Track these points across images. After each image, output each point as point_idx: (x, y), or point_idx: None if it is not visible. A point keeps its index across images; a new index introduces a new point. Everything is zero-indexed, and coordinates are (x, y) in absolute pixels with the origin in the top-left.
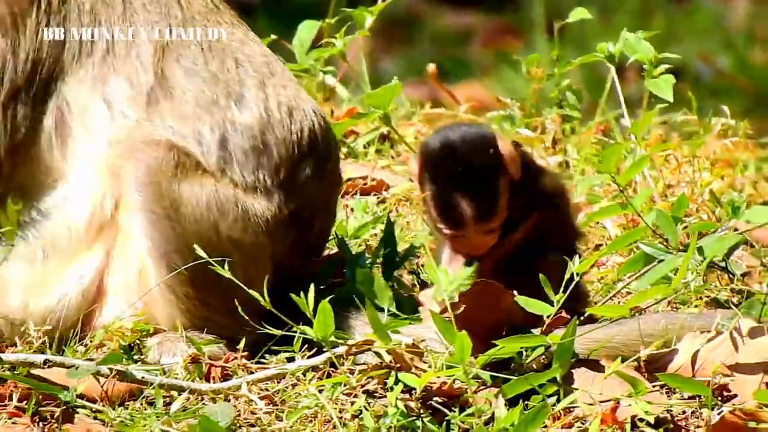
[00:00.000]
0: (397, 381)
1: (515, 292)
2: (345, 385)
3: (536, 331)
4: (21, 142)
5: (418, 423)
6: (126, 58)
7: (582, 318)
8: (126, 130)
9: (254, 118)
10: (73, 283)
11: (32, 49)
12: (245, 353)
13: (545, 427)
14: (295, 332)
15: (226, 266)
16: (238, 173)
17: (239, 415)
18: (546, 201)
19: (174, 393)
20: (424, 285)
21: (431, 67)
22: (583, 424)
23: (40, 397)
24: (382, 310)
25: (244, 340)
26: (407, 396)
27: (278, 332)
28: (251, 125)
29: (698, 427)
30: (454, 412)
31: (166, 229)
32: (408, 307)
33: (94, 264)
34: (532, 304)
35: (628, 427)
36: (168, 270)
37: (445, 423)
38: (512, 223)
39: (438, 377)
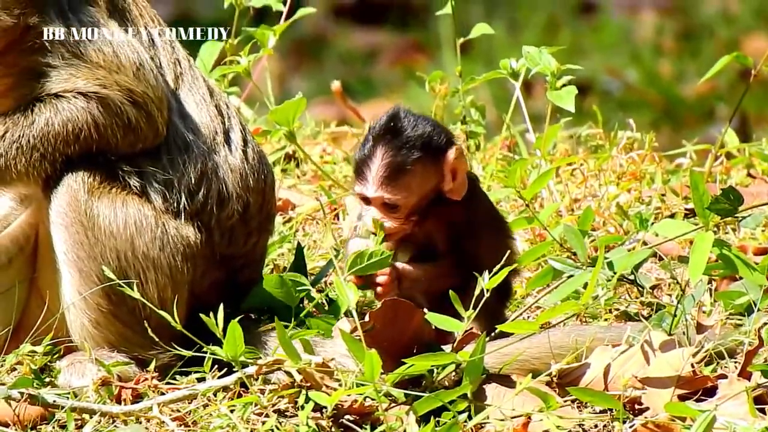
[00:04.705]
0: (307, 400)
1: (426, 310)
2: (256, 405)
3: (447, 348)
4: None
5: None
6: None
7: (493, 333)
8: None
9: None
10: None
11: None
12: (156, 374)
13: None
14: (206, 353)
15: (134, 285)
16: (164, 197)
17: None
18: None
19: (86, 416)
20: (332, 303)
21: (335, 85)
22: None
23: None
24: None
25: (154, 361)
26: (318, 415)
27: (188, 352)
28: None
29: None
30: (366, 429)
31: (80, 236)
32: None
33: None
34: (442, 321)
35: None
36: (81, 277)
37: None
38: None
39: (349, 395)
